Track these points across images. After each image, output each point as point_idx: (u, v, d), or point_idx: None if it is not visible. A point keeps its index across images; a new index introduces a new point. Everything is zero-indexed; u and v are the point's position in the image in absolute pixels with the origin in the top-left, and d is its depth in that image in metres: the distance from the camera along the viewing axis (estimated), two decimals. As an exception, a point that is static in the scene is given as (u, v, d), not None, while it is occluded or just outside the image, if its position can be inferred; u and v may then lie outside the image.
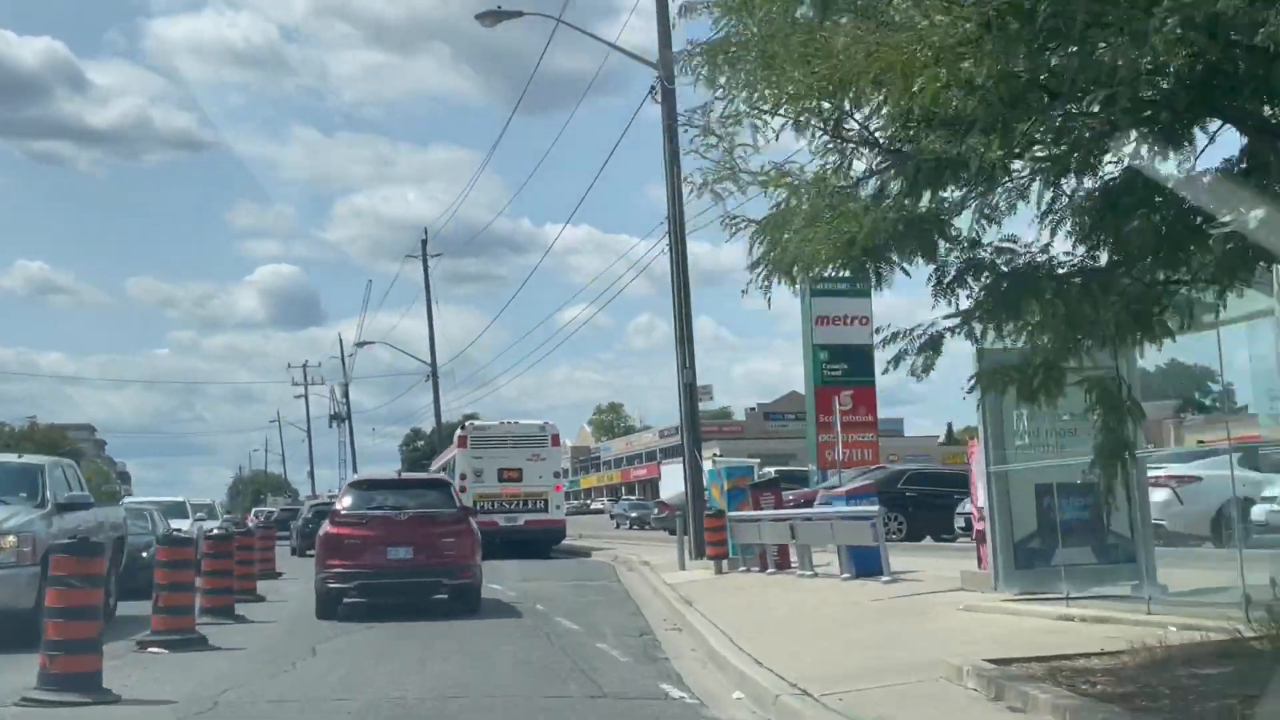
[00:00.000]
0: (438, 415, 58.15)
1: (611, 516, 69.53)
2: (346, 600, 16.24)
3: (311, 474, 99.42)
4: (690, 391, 26.39)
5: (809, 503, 24.47)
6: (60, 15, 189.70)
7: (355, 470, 69.96)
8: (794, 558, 19.34)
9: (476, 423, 38.18)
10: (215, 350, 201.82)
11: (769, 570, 19.75)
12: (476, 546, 16.71)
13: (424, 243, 57.83)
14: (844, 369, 33.16)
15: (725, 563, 20.89)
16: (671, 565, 22.92)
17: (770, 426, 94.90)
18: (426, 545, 15.99)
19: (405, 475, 22.07)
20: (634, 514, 63.66)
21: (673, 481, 61.36)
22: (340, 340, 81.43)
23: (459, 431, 36.45)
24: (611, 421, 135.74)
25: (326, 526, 16.77)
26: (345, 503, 17.20)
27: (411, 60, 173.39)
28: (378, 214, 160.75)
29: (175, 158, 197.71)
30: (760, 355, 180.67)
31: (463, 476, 32.82)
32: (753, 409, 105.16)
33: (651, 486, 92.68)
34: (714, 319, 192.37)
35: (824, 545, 18.40)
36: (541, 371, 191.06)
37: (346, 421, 77.88)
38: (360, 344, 66.74)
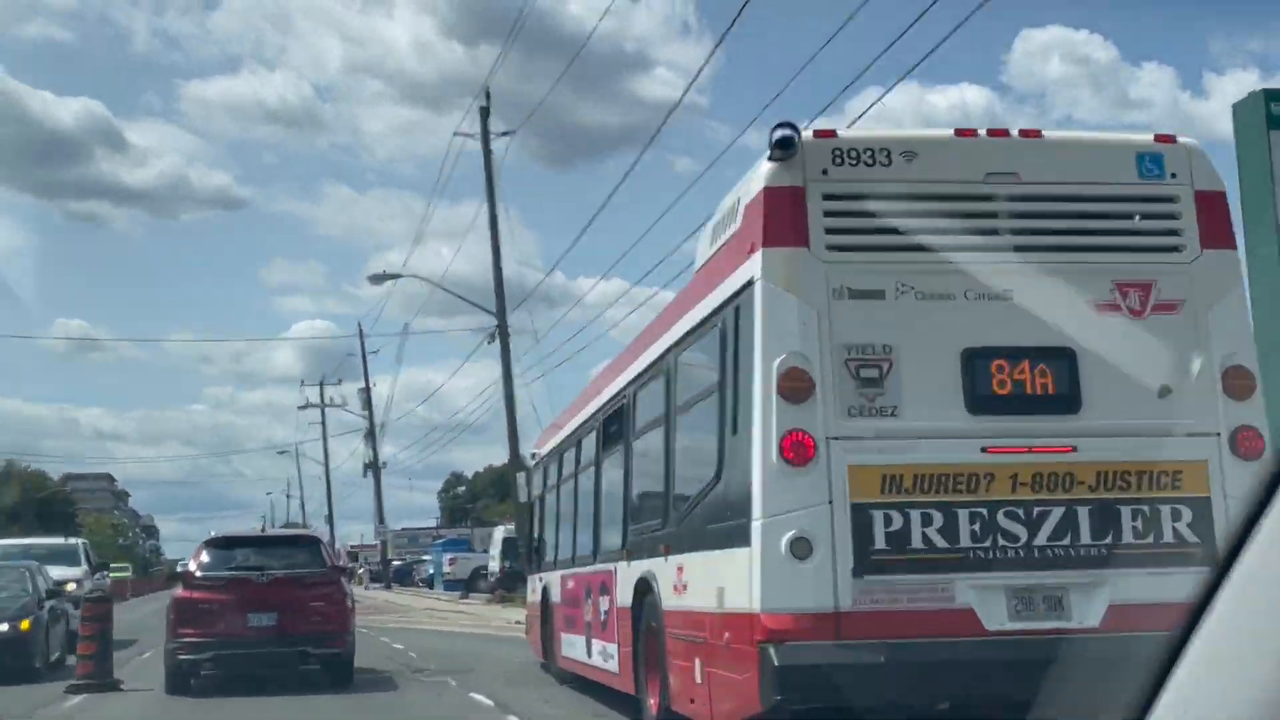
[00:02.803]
0: (506, 360, 34.23)
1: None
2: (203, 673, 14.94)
3: (330, 516, 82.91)
4: None
5: None
6: (97, 76, 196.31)
7: (382, 518, 62.30)
8: None
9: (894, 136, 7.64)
10: (251, 405, 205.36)
11: None
12: (350, 611, 15.45)
13: (484, 111, 34.44)
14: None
15: None
16: None
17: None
18: (292, 610, 14.60)
19: (269, 532, 20.25)
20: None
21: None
22: (360, 329, 63.14)
23: (769, 170, 7.36)
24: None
25: (178, 590, 15.45)
26: (200, 563, 15.46)
27: (443, 116, 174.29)
28: (411, 270, 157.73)
29: (211, 216, 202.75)
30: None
31: (793, 384, 7.09)
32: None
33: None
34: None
35: None
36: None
37: (372, 439, 60.95)
38: (380, 277, 38.58)
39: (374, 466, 61.48)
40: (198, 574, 15.11)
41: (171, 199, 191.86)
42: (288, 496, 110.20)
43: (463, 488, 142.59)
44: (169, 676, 14.68)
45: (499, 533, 40.78)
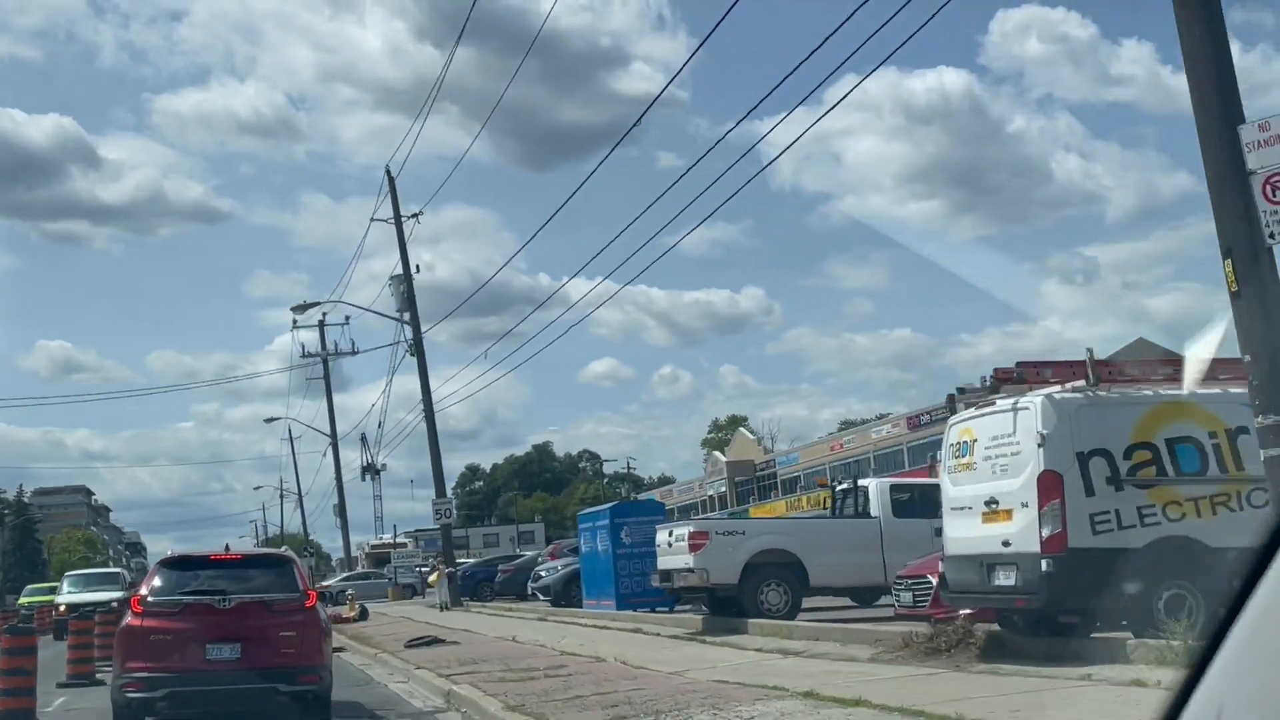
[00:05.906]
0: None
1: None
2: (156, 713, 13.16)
3: (341, 503, 65.15)
4: None
5: None
6: (66, 93, 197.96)
7: (441, 489, 40.38)
8: None
9: None
10: (239, 421, 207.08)
11: None
12: (324, 640, 13.65)
13: None
14: None
15: None
16: None
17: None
18: (258, 641, 12.93)
19: (234, 552, 16.40)
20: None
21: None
22: (389, 174, 41.44)
23: None
24: (731, 441, 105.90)
25: (128, 618, 13.54)
26: (153, 586, 13.65)
27: (418, 120, 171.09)
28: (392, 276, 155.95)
29: (190, 230, 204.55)
30: (785, 400, 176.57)
31: None
32: (1081, 362, 66.03)
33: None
34: (737, 366, 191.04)
35: None
36: (569, 426, 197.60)
37: (417, 353, 39.71)
38: None
39: (424, 394, 39.33)
40: (150, 599, 13.36)
41: (149, 214, 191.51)
42: (281, 495, 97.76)
43: (480, 482, 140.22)
44: (117, 718, 13.01)
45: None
